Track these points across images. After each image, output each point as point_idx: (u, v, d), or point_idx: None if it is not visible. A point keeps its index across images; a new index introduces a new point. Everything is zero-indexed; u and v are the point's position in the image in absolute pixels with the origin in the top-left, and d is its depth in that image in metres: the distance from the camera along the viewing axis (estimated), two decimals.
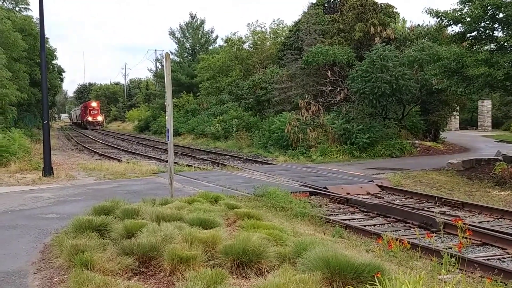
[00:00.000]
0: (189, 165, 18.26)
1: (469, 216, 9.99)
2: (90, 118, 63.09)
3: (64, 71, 52.95)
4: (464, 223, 5.04)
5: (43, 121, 15.14)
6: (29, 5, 32.62)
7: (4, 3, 30.96)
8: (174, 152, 9.55)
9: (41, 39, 15.28)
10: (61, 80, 54.01)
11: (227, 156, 22.90)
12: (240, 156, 22.61)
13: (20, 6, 32.55)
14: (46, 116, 15.05)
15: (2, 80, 20.23)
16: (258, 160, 20.69)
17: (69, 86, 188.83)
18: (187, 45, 52.91)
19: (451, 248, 6.78)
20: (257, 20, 59.71)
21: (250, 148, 25.05)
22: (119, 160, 20.56)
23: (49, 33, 56.99)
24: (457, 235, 5.54)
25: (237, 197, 10.40)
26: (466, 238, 4.81)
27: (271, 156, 21.58)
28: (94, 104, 65.78)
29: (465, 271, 5.96)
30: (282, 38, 35.55)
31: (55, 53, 41.61)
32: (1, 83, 20.29)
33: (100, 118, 64.72)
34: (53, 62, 42.07)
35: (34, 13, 33.14)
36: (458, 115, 34.69)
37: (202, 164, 19.59)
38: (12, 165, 15.89)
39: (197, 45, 52.30)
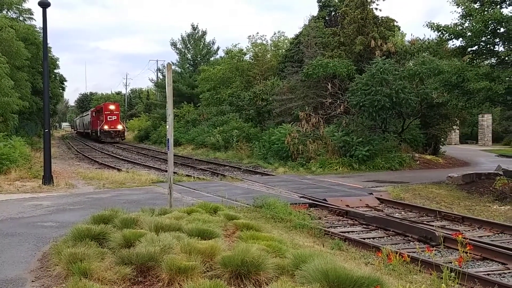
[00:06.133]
0: (188, 175, 18.24)
1: (469, 230, 9.96)
2: (106, 127, 47.52)
3: (66, 80, 53.37)
4: (464, 238, 5.03)
5: (44, 129, 15.16)
6: (32, 14, 32.93)
7: (8, 12, 31.16)
8: (174, 162, 9.54)
9: (44, 48, 15.34)
10: (63, 89, 54.37)
11: (227, 167, 22.89)
12: (240, 167, 22.59)
13: (24, 15, 32.78)
14: (47, 124, 15.07)
15: (4, 88, 20.31)
16: (257, 171, 20.68)
17: (72, 95, 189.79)
18: (189, 56, 53.21)
19: (451, 262, 6.74)
20: (258, 33, 60.20)
21: (250, 159, 25.06)
22: (118, 170, 20.54)
23: (52, 42, 56.97)
24: (457, 250, 5.52)
25: (236, 208, 10.37)
26: (466, 252, 4.79)
27: (271, 167, 21.57)
28: (112, 106, 49.45)
29: (465, 285, 5.92)
30: (283, 50, 35.79)
31: (57, 62, 41.98)
32: (3, 92, 20.36)
33: (120, 126, 49.11)
34: (55, 71, 42.40)
35: (38, 23, 33.42)
36: (458, 129, 34.78)
37: (202, 175, 19.58)
38: (12, 173, 15.89)
39: (199, 56, 52.60)
